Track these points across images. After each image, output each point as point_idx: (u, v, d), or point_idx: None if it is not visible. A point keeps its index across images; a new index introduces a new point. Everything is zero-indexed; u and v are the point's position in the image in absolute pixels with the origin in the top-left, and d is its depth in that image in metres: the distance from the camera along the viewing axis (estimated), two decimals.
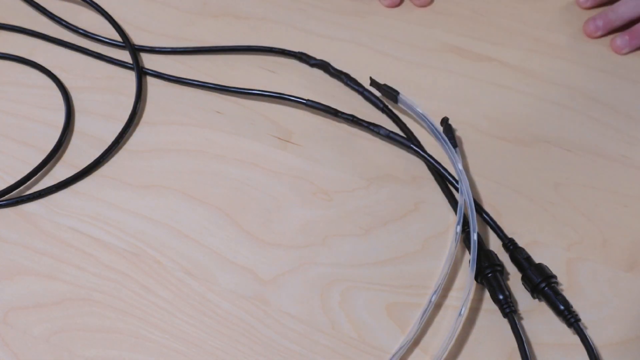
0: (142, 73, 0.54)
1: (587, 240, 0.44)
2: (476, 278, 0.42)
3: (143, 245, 0.45)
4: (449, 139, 0.47)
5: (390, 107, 0.50)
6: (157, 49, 0.55)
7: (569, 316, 0.40)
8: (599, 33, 0.53)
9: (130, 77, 0.54)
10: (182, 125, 0.51)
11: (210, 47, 0.55)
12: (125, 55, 0.55)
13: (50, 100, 0.53)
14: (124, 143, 0.50)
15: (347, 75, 0.51)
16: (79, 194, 0.48)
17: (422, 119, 0.48)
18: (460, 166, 0.45)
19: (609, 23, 0.53)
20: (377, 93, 0.51)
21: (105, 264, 0.45)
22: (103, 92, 0.53)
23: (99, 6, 0.57)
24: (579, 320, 0.40)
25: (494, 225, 0.44)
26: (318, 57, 0.53)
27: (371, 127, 0.49)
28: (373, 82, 0.50)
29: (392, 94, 0.49)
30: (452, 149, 0.46)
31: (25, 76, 0.54)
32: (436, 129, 0.47)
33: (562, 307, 0.40)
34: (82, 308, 0.43)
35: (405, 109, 0.50)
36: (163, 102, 0.52)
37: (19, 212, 0.47)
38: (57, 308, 0.43)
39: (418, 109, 0.48)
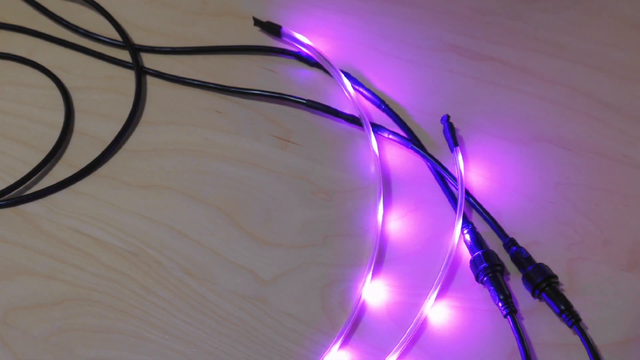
0: (141, 73, 0.54)
1: (587, 240, 0.44)
2: (477, 278, 0.43)
3: (143, 245, 0.45)
4: (450, 138, 0.47)
5: (390, 107, 0.50)
6: (157, 49, 0.55)
7: (569, 316, 0.40)
8: None
9: (130, 76, 0.54)
10: (182, 125, 0.51)
11: (210, 47, 0.55)
12: (125, 55, 0.55)
13: (50, 100, 0.53)
14: (124, 143, 0.50)
15: (347, 75, 0.51)
16: (78, 194, 0.48)
17: (306, 48, 0.52)
18: (460, 163, 0.45)
19: None
20: (377, 92, 0.51)
21: (105, 264, 0.45)
22: (103, 92, 0.53)
23: (99, 6, 0.57)
24: (580, 320, 0.40)
25: (494, 225, 0.44)
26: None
27: (371, 126, 0.49)
28: (256, 22, 0.55)
29: (275, 29, 0.54)
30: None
31: (25, 76, 0.54)
32: (327, 60, 0.51)
33: (562, 307, 0.40)
34: (82, 308, 0.43)
35: (290, 41, 0.54)
36: (163, 102, 0.52)
37: (19, 212, 0.47)
38: (57, 308, 0.43)
39: (301, 39, 0.52)
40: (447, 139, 0.48)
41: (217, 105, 0.52)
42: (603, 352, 0.40)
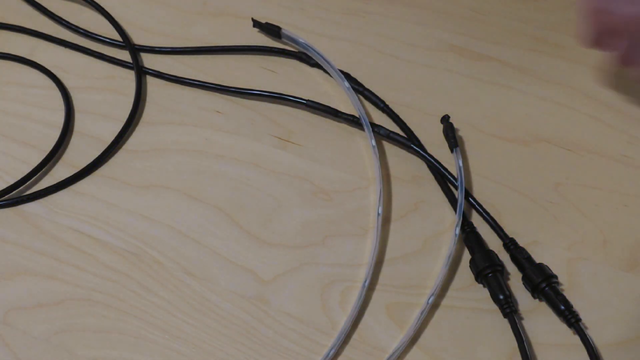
0: (142, 73, 0.54)
1: (588, 240, 0.44)
2: (476, 278, 0.43)
3: (143, 245, 0.45)
4: (450, 138, 0.47)
5: (390, 107, 0.50)
6: (157, 49, 0.55)
7: (569, 316, 0.40)
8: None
9: (130, 77, 0.54)
10: (182, 125, 0.51)
11: (210, 47, 0.55)
12: (125, 55, 0.55)
13: (50, 100, 0.53)
14: (124, 143, 0.50)
15: (347, 75, 0.51)
16: (79, 194, 0.48)
17: (306, 48, 0.52)
18: (459, 163, 0.46)
19: None
20: (377, 92, 0.51)
21: (105, 264, 0.45)
22: (103, 92, 0.53)
23: (100, 6, 0.57)
24: (580, 320, 0.40)
25: (494, 225, 0.44)
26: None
27: (371, 127, 0.49)
28: (255, 23, 0.55)
29: (275, 31, 0.54)
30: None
31: (25, 76, 0.54)
32: (326, 60, 0.51)
33: (562, 307, 0.40)
34: (82, 308, 0.43)
35: (289, 42, 0.54)
36: (163, 102, 0.52)
37: (19, 212, 0.47)
38: (57, 308, 0.43)
39: (301, 40, 0.52)
40: (447, 139, 0.48)
41: (217, 105, 0.52)
42: (603, 352, 0.40)
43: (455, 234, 0.43)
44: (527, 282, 0.42)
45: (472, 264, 0.43)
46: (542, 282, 0.41)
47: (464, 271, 0.43)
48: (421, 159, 0.48)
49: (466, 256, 0.44)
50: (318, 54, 0.51)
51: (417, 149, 0.47)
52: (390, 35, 0.55)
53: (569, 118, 0.49)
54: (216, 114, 0.51)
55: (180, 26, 0.57)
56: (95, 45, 0.56)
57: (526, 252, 0.43)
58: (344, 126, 0.50)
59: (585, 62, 0.52)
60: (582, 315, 0.40)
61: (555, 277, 0.42)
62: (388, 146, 0.49)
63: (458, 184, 0.45)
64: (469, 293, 0.43)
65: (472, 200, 0.45)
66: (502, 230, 0.44)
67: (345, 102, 0.51)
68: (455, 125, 0.49)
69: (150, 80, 0.54)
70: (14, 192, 0.48)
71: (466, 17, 0.55)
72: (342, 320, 0.42)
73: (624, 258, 0.43)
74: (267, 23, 0.54)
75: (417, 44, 0.54)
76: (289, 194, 0.47)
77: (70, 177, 0.48)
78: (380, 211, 0.44)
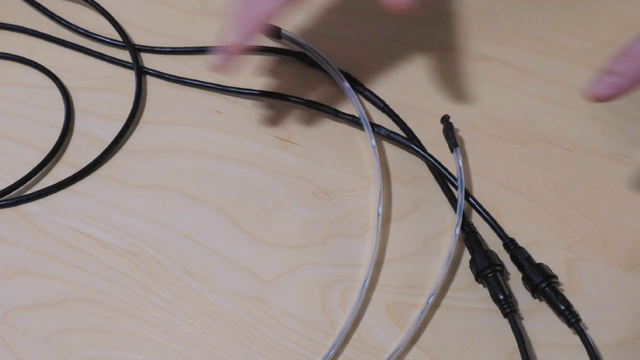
0: (142, 73, 0.54)
1: (588, 240, 0.44)
2: (476, 278, 0.43)
3: (143, 245, 0.45)
4: (450, 138, 0.47)
5: (390, 107, 0.50)
6: (157, 49, 0.55)
7: (569, 316, 0.40)
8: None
9: (130, 76, 0.54)
10: (182, 125, 0.51)
11: (210, 47, 0.55)
12: (125, 55, 0.55)
13: (50, 100, 0.53)
14: (124, 143, 0.50)
15: (347, 75, 0.51)
16: (79, 194, 0.48)
17: (306, 48, 0.52)
18: (459, 163, 0.46)
19: None
20: (377, 92, 0.51)
21: (105, 264, 0.45)
22: (103, 92, 0.53)
23: (100, 6, 0.57)
24: (580, 320, 0.40)
25: (494, 225, 0.44)
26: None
27: (371, 127, 0.49)
28: None
29: (274, 31, 0.53)
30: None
31: (25, 76, 0.54)
32: (326, 60, 0.51)
33: (562, 307, 0.40)
34: (82, 308, 0.43)
35: (288, 42, 0.53)
36: (163, 102, 0.52)
37: (19, 212, 0.47)
38: (57, 308, 0.43)
39: (301, 40, 0.52)
40: (447, 139, 0.48)
41: (217, 105, 0.52)
42: (603, 352, 0.40)
43: (455, 234, 0.43)
44: (527, 282, 0.42)
45: (472, 264, 0.43)
46: (542, 282, 0.41)
47: (464, 271, 0.43)
48: (421, 159, 0.48)
49: (466, 256, 0.44)
50: (318, 54, 0.51)
51: (417, 149, 0.47)
52: (391, 35, 0.55)
53: (569, 118, 0.49)
54: (216, 114, 0.51)
55: (180, 26, 0.57)
56: (95, 45, 0.56)
57: (526, 252, 0.43)
58: (344, 126, 0.50)
59: (585, 62, 0.52)
60: (581, 315, 0.40)
61: (555, 277, 0.42)
62: (388, 146, 0.49)
63: (458, 184, 0.45)
64: (469, 293, 0.43)
65: (472, 200, 0.45)
66: (502, 230, 0.44)
67: (345, 102, 0.51)
68: (455, 125, 0.49)
69: (150, 80, 0.54)
70: (14, 192, 0.48)
71: (466, 17, 0.55)
72: (342, 320, 0.42)
73: (624, 258, 0.43)
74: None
75: (417, 44, 0.54)
76: (289, 194, 0.47)
77: (70, 177, 0.48)
78: (380, 211, 0.45)
